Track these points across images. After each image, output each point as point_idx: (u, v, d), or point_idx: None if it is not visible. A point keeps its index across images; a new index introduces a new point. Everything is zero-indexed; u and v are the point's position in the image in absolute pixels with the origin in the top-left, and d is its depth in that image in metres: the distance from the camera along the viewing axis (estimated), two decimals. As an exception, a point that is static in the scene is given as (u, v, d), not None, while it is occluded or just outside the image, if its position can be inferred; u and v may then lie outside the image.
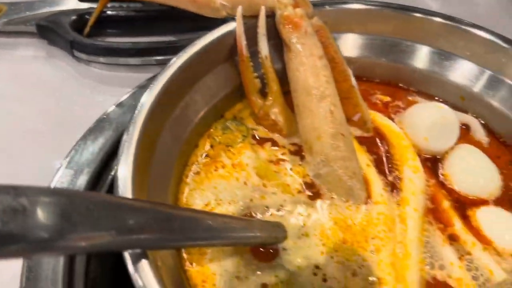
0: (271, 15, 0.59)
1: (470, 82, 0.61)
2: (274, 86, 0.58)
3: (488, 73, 0.60)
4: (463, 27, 0.60)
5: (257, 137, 0.59)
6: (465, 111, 0.64)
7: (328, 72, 0.56)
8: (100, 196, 0.38)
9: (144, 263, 0.37)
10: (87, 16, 0.69)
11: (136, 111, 0.47)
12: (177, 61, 0.53)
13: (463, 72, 0.62)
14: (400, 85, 0.67)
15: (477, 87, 0.61)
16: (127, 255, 0.37)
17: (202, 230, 0.40)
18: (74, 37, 0.66)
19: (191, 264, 0.47)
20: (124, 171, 0.42)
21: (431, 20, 0.61)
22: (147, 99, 0.48)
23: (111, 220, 0.32)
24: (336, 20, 0.63)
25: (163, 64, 0.53)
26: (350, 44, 0.65)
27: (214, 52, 0.57)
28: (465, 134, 0.62)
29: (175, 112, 0.53)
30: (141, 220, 0.35)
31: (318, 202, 0.53)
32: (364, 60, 0.66)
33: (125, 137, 0.45)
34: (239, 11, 0.57)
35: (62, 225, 0.28)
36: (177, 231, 0.38)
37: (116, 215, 0.33)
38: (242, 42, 0.57)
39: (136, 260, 0.37)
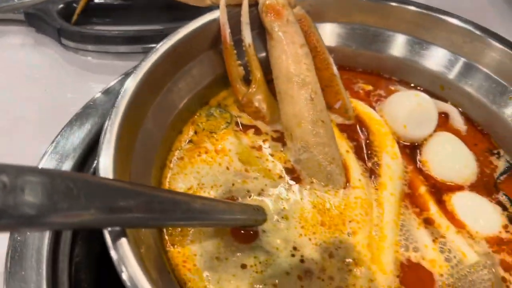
0: (255, 4, 0.60)
1: (445, 70, 0.63)
2: (257, 73, 0.60)
3: (463, 60, 0.62)
4: (439, 15, 0.61)
5: (241, 124, 0.60)
6: (445, 100, 0.65)
7: (309, 60, 0.57)
8: (83, 177, 0.39)
9: (123, 241, 0.38)
10: (74, 4, 0.70)
11: (119, 97, 0.48)
12: (160, 48, 0.54)
13: (439, 60, 0.63)
14: (383, 74, 0.69)
15: (452, 75, 0.63)
16: (106, 233, 0.38)
17: (181, 211, 0.41)
18: (62, 24, 0.67)
19: (173, 245, 0.48)
20: (105, 159, 0.43)
21: (407, 9, 0.62)
22: (130, 85, 0.50)
23: (92, 199, 0.33)
24: (318, 9, 0.64)
25: (149, 51, 0.54)
26: (333, 34, 0.66)
27: (198, 40, 0.59)
28: (444, 122, 0.63)
29: (159, 98, 0.54)
30: (121, 199, 0.36)
31: (298, 187, 0.54)
32: (346, 49, 0.67)
33: (107, 123, 0.46)
34: (222, 0, 0.57)
35: (47, 203, 0.29)
36: (156, 211, 0.39)
37: (98, 194, 0.34)
38: (226, 30, 0.58)
39: (115, 237, 0.38)
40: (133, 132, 0.49)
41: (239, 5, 0.59)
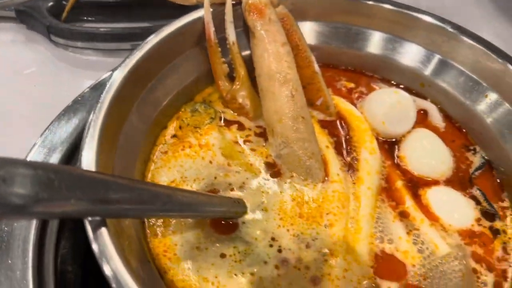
0: (239, 3, 0.61)
1: (422, 66, 0.65)
2: (241, 71, 0.61)
3: (439, 57, 0.64)
4: (415, 14, 0.63)
5: (225, 120, 0.62)
6: (425, 97, 0.67)
7: (290, 58, 0.59)
8: (64, 168, 0.41)
9: (103, 231, 0.40)
10: (64, 2, 0.72)
11: (104, 92, 0.50)
12: (146, 45, 0.56)
13: (415, 57, 0.65)
14: (365, 72, 0.70)
15: (428, 71, 0.64)
16: (87, 223, 0.40)
17: (162, 203, 0.43)
18: (51, 21, 0.68)
19: (154, 235, 0.50)
20: (88, 153, 0.45)
21: (385, 8, 0.63)
22: (116, 80, 0.51)
23: (73, 190, 0.35)
24: (301, 8, 0.66)
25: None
26: (315, 32, 0.68)
27: (184, 37, 0.60)
28: (423, 119, 0.65)
29: (144, 93, 0.56)
30: (101, 191, 0.37)
31: (278, 181, 0.56)
32: (328, 47, 0.68)
33: (91, 117, 0.48)
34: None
35: (29, 193, 0.30)
36: (137, 202, 0.41)
37: (79, 186, 0.36)
38: (210, 28, 0.60)
39: (96, 227, 0.40)
40: (117, 126, 0.51)
41: (224, 4, 0.61)
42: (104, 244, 0.39)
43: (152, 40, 0.57)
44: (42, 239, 0.51)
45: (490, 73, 0.60)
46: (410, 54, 0.65)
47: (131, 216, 0.45)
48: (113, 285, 0.37)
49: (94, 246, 0.39)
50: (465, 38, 0.60)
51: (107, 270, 0.38)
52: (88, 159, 0.44)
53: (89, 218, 0.40)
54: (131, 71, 0.52)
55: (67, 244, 0.54)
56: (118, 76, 0.51)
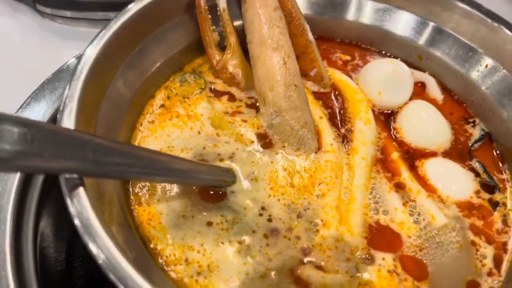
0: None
1: (417, 36, 0.62)
2: (232, 39, 0.59)
3: (436, 26, 0.62)
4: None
5: (215, 90, 0.60)
6: (423, 70, 0.65)
7: (282, 24, 0.56)
8: (38, 124, 0.39)
9: (80, 190, 0.37)
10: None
11: (85, 55, 0.47)
12: (131, 9, 0.53)
13: (410, 26, 0.63)
14: (361, 45, 0.68)
15: (423, 40, 0.62)
16: (62, 180, 0.37)
17: (143, 166, 0.41)
18: (36, -10, 0.66)
19: (139, 203, 0.48)
20: (67, 113, 0.42)
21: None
22: (99, 43, 0.49)
23: (45, 145, 0.33)
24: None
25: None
26: (309, 2, 0.66)
27: (171, 3, 0.58)
28: (421, 92, 0.63)
29: (129, 59, 0.54)
30: (76, 147, 0.35)
31: (269, 151, 0.54)
32: (323, 18, 0.66)
33: (72, 79, 0.45)
34: (196, -38, 0.57)
35: (17, 149, 0.29)
36: (115, 163, 0.38)
37: (52, 141, 0.34)
38: (200, -7, 0.57)
39: (73, 187, 0.38)
40: (100, 90, 0.49)
41: (214, -31, 0.58)
42: (80, 202, 0.37)
43: (137, 4, 0.54)
44: (22, 207, 0.49)
45: (489, 41, 0.57)
46: (405, 23, 0.63)
47: (110, 176, 0.43)
48: (88, 241, 0.35)
49: (69, 204, 0.37)
50: (467, 7, 0.58)
51: (81, 229, 0.36)
52: (67, 121, 0.42)
53: (66, 176, 0.38)
54: (114, 35, 0.50)
55: (48, 211, 0.52)
56: (102, 40, 0.49)
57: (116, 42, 0.51)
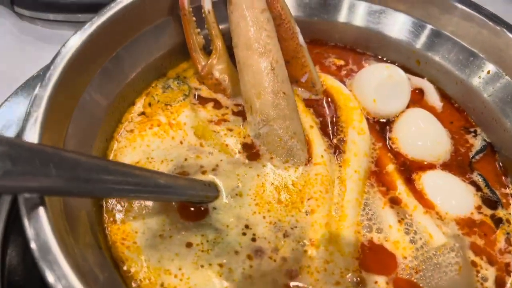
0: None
1: (415, 39, 0.59)
2: (218, 42, 0.56)
3: (430, 28, 0.58)
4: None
5: (200, 97, 0.56)
6: (422, 76, 0.61)
7: (270, 27, 0.53)
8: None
9: (40, 210, 0.34)
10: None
11: (56, 59, 0.44)
12: (110, 10, 0.50)
13: (406, 29, 0.59)
14: (356, 49, 0.64)
15: (420, 44, 0.59)
16: (20, 199, 0.34)
17: (114, 182, 0.37)
18: (14, -9, 0.63)
19: (112, 221, 0.44)
20: (31, 125, 0.39)
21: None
22: (71, 45, 0.45)
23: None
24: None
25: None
26: (300, 3, 0.62)
27: (153, 5, 0.54)
28: (419, 99, 0.59)
29: (106, 64, 0.50)
30: (37, 162, 0.32)
31: (256, 163, 0.50)
32: (315, 21, 0.63)
33: (38, 86, 0.42)
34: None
35: None
36: (81, 179, 0.35)
37: (16, 158, 0.30)
38: (184, -6, 0.54)
39: (32, 206, 0.34)
40: (71, 98, 0.45)
41: (199, -31, 0.55)
42: (40, 227, 0.33)
43: (117, 5, 0.51)
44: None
45: (491, 45, 0.54)
46: (401, 26, 0.59)
47: (76, 194, 0.39)
48: (44, 268, 0.32)
49: (29, 230, 0.33)
50: (468, 10, 0.54)
51: (38, 254, 0.32)
52: (30, 133, 0.39)
53: (26, 195, 0.34)
54: (89, 38, 0.46)
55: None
56: (74, 43, 0.46)
57: (90, 46, 0.47)
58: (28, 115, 0.40)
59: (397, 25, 0.60)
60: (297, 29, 0.57)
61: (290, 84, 0.53)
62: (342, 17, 0.62)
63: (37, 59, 0.63)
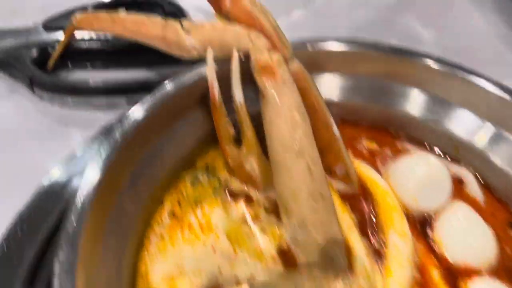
0: (246, 57, 0.53)
1: (468, 134, 0.56)
2: (249, 133, 0.53)
3: (488, 125, 0.55)
4: (462, 74, 0.54)
5: (230, 192, 0.54)
6: (458, 162, 0.58)
7: (306, 124, 0.50)
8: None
9: None
10: (50, 50, 0.64)
11: (82, 189, 0.41)
12: (140, 108, 0.48)
13: (460, 123, 0.56)
14: (390, 130, 0.62)
15: (476, 140, 0.56)
16: None
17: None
18: (34, 72, 0.60)
19: None
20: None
21: (425, 65, 0.55)
22: (99, 168, 0.43)
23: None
24: (319, 60, 0.58)
25: (133, 103, 0.49)
26: (334, 86, 0.60)
27: (185, 97, 0.52)
28: (459, 190, 0.57)
29: (136, 169, 0.48)
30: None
31: (293, 272, 0.47)
32: (350, 103, 0.60)
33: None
34: (209, 55, 0.51)
35: None
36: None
37: None
38: (215, 87, 0.52)
39: None
40: (102, 217, 0.43)
41: (229, 59, 0.53)
42: None
43: (147, 102, 0.49)
44: None
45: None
46: (454, 119, 0.56)
47: None
48: None
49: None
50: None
51: None
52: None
53: None
54: (115, 153, 0.44)
55: None
56: (103, 161, 0.43)
57: (123, 152, 0.45)
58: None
59: (455, 119, 0.57)
60: (332, 121, 0.54)
61: (327, 184, 0.50)
62: (383, 101, 0.59)
63: (53, 148, 0.60)
